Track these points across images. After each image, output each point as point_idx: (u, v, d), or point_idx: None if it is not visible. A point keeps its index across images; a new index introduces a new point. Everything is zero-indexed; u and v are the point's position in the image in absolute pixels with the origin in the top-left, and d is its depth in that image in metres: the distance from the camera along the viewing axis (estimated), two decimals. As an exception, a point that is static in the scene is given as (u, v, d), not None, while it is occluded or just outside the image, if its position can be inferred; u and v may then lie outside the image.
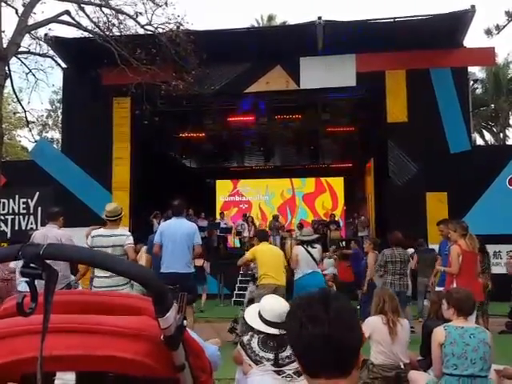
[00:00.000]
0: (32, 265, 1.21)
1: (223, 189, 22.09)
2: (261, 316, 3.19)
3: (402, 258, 7.06)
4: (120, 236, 5.63)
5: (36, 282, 1.27)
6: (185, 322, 1.28)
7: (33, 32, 12.07)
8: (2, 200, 12.11)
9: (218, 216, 18.33)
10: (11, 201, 13.42)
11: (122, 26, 11.80)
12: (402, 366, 4.70)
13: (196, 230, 6.19)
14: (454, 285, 5.23)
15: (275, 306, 3.20)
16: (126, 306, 1.36)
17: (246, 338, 3.23)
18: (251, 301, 7.02)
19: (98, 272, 5.51)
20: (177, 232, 5.95)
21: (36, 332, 1.31)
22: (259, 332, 3.14)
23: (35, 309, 1.24)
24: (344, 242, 15.29)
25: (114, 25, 11.57)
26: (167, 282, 5.69)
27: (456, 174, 11.57)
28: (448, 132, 12.24)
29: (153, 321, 1.25)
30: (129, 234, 5.83)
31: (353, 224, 17.54)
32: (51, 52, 12.79)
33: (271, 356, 2.97)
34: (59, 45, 12.52)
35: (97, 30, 11.63)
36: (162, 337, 1.25)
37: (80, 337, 1.29)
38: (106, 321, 1.30)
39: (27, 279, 1.23)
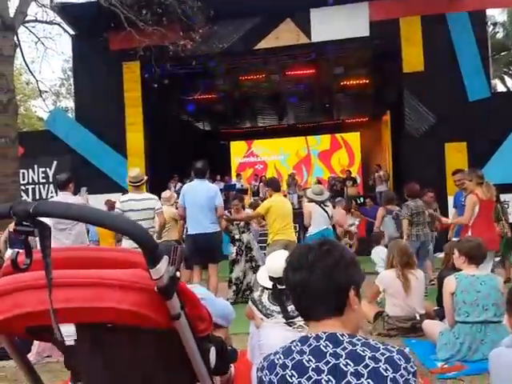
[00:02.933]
0: (24, 222, 1.23)
1: (238, 150, 22.03)
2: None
3: (423, 209, 6.90)
4: (150, 200, 5.81)
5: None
6: (177, 273, 1.30)
7: (39, 0, 11.92)
8: (22, 170, 12.28)
9: (234, 177, 18.36)
10: (30, 171, 13.64)
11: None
12: (418, 317, 4.75)
13: (217, 191, 6.26)
14: (469, 234, 5.18)
15: (275, 261, 3.25)
16: (120, 259, 1.38)
17: (256, 294, 3.30)
18: (232, 262, 7.11)
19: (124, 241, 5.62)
20: (198, 194, 6.00)
21: (37, 287, 1.35)
22: (266, 287, 3.20)
23: (30, 264, 1.27)
24: (362, 198, 15.21)
25: (118, -14, 11.33)
26: (194, 243, 5.84)
27: (475, 122, 11.26)
28: (466, 79, 11.85)
29: (146, 273, 1.27)
30: (157, 197, 6.02)
31: (373, 179, 17.36)
32: (58, 19, 12.66)
33: (281, 309, 3.02)
34: (65, 11, 12.35)
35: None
36: (155, 288, 1.27)
37: (78, 290, 1.33)
38: (102, 274, 1.33)
39: (21, 237, 1.26)
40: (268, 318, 3.06)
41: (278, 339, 2.86)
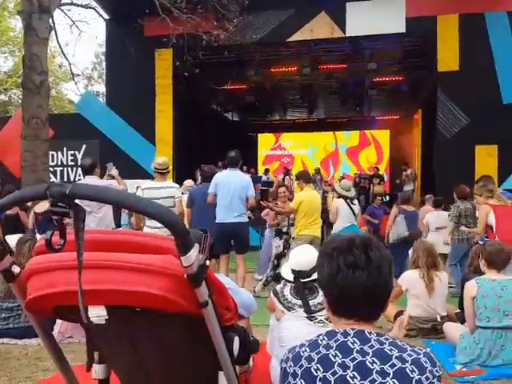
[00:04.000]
0: (60, 204, 1.25)
1: (265, 142, 22.00)
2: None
3: (471, 212, 6.80)
4: (170, 188, 5.82)
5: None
6: (207, 262, 1.30)
7: (75, -17, 12.07)
8: (51, 152, 12.49)
9: (261, 172, 18.34)
10: (59, 153, 13.88)
11: (162, -26, 11.61)
12: (439, 319, 4.70)
13: (250, 181, 6.23)
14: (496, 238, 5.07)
15: (300, 255, 3.25)
16: (153, 245, 1.40)
17: (278, 287, 3.30)
18: (278, 256, 6.91)
19: (148, 222, 5.64)
20: (231, 183, 5.98)
21: (69, 267, 1.37)
22: (288, 280, 3.20)
23: (64, 245, 1.29)
24: (388, 197, 15.03)
25: (154, -27, 11.38)
26: (222, 231, 5.85)
27: (508, 125, 10.98)
28: (502, 81, 11.54)
29: (176, 259, 1.28)
30: (178, 186, 6.03)
31: (400, 178, 17.14)
32: (93, 3, 12.80)
33: (303, 303, 3.02)
34: (101, -4, 12.50)
35: (137, -22, 11.48)
36: (185, 275, 1.28)
37: (108, 272, 1.35)
38: (132, 258, 1.35)
39: (56, 217, 1.28)
40: (289, 311, 3.06)
41: (299, 333, 2.87)
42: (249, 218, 7.08)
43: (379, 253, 1.29)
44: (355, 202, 7.27)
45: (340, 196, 7.11)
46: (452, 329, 4.26)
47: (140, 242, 1.43)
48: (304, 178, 7.02)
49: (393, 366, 1.19)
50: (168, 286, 1.30)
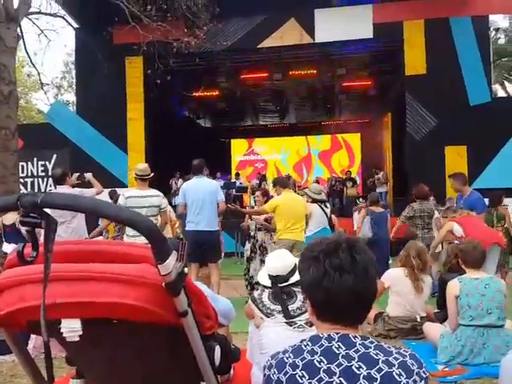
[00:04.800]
0: (31, 214, 1.21)
1: (238, 148, 22.02)
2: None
3: (430, 212, 6.88)
4: (156, 197, 5.75)
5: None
6: (185, 269, 1.28)
7: (42, -9, 11.88)
8: (21, 163, 12.22)
9: (233, 176, 18.33)
10: (29, 164, 13.61)
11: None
12: (419, 319, 4.75)
13: (218, 186, 6.23)
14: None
15: (275, 260, 3.24)
16: (127, 254, 1.36)
17: (256, 293, 3.27)
18: (248, 260, 6.93)
19: (128, 231, 5.55)
20: (199, 190, 5.94)
21: (41, 281, 1.32)
22: (266, 286, 3.19)
23: (36, 257, 1.24)
24: (361, 199, 15.19)
25: (123, -20, 11.30)
26: (194, 240, 5.78)
27: (476, 126, 11.28)
28: (468, 84, 11.87)
29: (153, 268, 1.25)
30: (162, 195, 5.89)
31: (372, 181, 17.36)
32: (62, 11, 12.61)
33: (282, 308, 3.00)
34: (70, 4, 12.31)
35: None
36: (163, 283, 1.25)
37: (83, 284, 1.31)
38: (107, 268, 1.31)
39: (27, 228, 1.24)
40: (268, 317, 3.03)
41: (279, 339, 2.86)
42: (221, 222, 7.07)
43: (365, 255, 1.27)
44: (327, 205, 7.31)
45: (313, 200, 7.12)
46: (432, 329, 4.30)
47: (115, 252, 1.39)
48: (280, 183, 6.91)
49: (380, 370, 1.17)
50: (145, 295, 1.27)
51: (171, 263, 1.21)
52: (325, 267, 1.24)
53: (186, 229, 6.03)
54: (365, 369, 1.17)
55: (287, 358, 1.25)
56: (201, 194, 5.93)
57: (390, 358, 1.19)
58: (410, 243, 5.13)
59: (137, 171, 5.86)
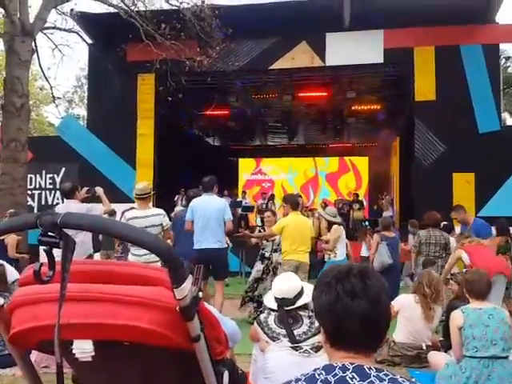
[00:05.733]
0: (50, 233, 1.22)
1: (246, 167, 22.08)
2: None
3: (437, 241, 6.79)
4: (157, 216, 5.66)
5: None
6: (200, 293, 1.28)
7: (59, 7, 12.10)
8: (30, 175, 12.29)
9: (239, 195, 18.35)
10: (38, 176, 13.67)
11: (146, 1, 11.76)
12: (424, 347, 4.70)
13: (226, 205, 6.19)
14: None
15: (282, 283, 3.23)
16: (143, 276, 1.36)
17: (262, 316, 3.26)
18: (257, 280, 6.89)
19: (134, 250, 5.53)
20: (207, 208, 5.94)
21: (55, 300, 1.33)
22: (272, 309, 3.17)
23: (53, 277, 1.25)
24: (367, 222, 15.14)
25: (139, -1, 11.52)
26: (200, 258, 5.73)
27: (484, 154, 11.27)
28: (477, 111, 11.89)
29: (168, 291, 1.25)
30: (164, 213, 5.81)
31: (377, 204, 17.34)
32: (77, 27, 12.83)
33: (287, 332, 2.98)
34: (84, 20, 12.53)
35: (122, 4, 11.59)
36: (177, 307, 1.25)
37: (97, 306, 1.31)
38: (121, 290, 1.31)
39: (45, 247, 1.25)
40: (274, 341, 3.01)
41: (284, 363, 2.84)
42: (227, 243, 7.03)
43: (377, 281, 1.28)
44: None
45: (334, 223, 7.05)
46: (437, 358, 4.25)
47: (130, 273, 1.39)
48: (291, 202, 6.77)
49: None
50: (159, 319, 1.26)
51: (187, 287, 1.21)
52: (337, 292, 1.25)
53: (194, 247, 6.00)
54: None
55: None
56: (208, 211, 5.93)
57: None
58: (424, 272, 5.11)
59: (136, 191, 5.77)
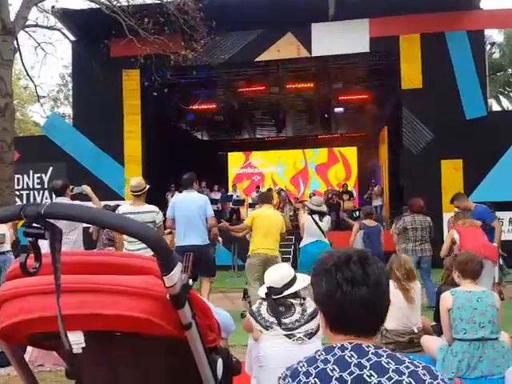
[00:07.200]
0: (34, 224, 1.19)
1: (235, 161, 22.05)
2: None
3: (423, 225, 7.04)
4: (150, 213, 5.62)
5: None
6: (190, 281, 1.27)
7: (40, 4, 11.93)
8: (17, 176, 12.16)
9: (230, 189, 18.34)
10: (25, 176, 13.56)
11: (128, -5, 11.64)
12: (416, 330, 4.72)
13: (207, 201, 6.11)
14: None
15: (273, 272, 3.24)
16: (133, 265, 1.35)
17: (255, 306, 3.25)
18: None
19: (128, 245, 5.50)
20: (188, 205, 5.90)
21: (43, 292, 1.31)
22: (264, 298, 3.17)
23: (39, 268, 1.23)
24: (357, 212, 15.20)
25: (120, -6, 11.40)
26: (182, 254, 5.69)
27: (471, 140, 11.35)
28: (464, 98, 11.96)
29: (158, 280, 1.24)
30: (158, 210, 5.76)
31: (368, 193, 17.38)
32: (59, 25, 12.68)
33: (277, 321, 2.98)
34: (66, 17, 12.38)
35: (103, 0, 11.47)
36: (167, 295, 1.24)
37: (88, 296, 1.29)
38: (112, 280, 1.30)
39: (30, 239, 1.22)
40: (267, 329, 3.00)
41: (278, 351, 2.84)
42: (218, 240, 6.99)
43: (376, 266, 1.29)
44: (326, 218, 7.13)
45: (310, 211, 7.04)
46: (430, 342, 4.27)
47: (119, 263, 1.37)
48: (260, 198, 7.17)
49: (390, 378, 1.19)
50: (151, 308, 1.25)
51: (176, 275, 1.20)
52: (337, 280, 1.26)
53: (176, 244, 5.96)
54: (376, 377, 1.19)
55: (301, 367, 1.28)
56: (189, 208, 5.87)
57: (401, 367, 1.21)
58: (392, 257, 5.12)
59: (130, 187, 5.75)
